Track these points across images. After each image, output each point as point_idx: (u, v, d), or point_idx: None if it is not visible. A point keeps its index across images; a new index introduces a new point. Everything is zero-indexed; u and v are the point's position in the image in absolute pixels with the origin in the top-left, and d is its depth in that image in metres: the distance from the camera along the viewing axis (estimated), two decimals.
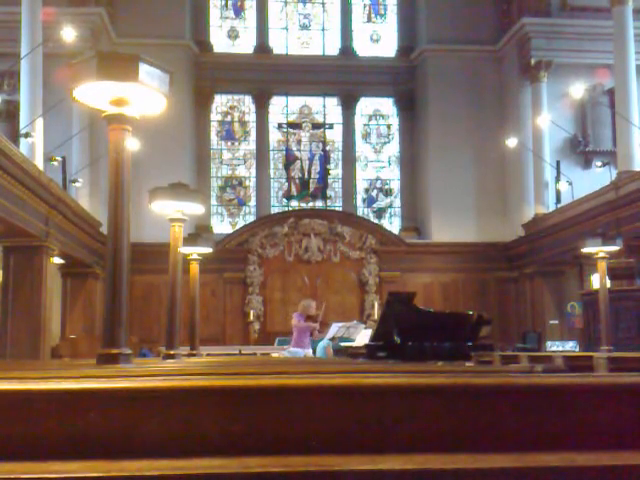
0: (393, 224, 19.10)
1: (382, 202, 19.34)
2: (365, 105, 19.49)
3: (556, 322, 16.06)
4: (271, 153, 19.14)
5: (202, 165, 18.57)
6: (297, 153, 19.31)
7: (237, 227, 18.24)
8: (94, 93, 3.50)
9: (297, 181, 19.18)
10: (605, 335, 9.14)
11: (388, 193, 19.36)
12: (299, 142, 19.35)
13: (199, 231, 16.22)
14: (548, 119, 16.17)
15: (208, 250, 7.80)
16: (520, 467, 1.56)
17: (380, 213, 19.24)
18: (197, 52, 18.47)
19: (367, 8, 19.94)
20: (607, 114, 16.51)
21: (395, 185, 19.37)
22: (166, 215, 6.20)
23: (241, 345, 15.09)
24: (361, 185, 19.34)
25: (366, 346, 7.79)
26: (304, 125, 19.36)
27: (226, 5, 19.54)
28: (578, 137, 17.15)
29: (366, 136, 19.48)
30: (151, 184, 6.69)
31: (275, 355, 11.31)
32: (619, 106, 13.96)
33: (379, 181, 19.38)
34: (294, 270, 17.10)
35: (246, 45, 19.40)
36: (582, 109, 17.17)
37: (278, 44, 19.54)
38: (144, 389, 1.66)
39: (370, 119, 19.55)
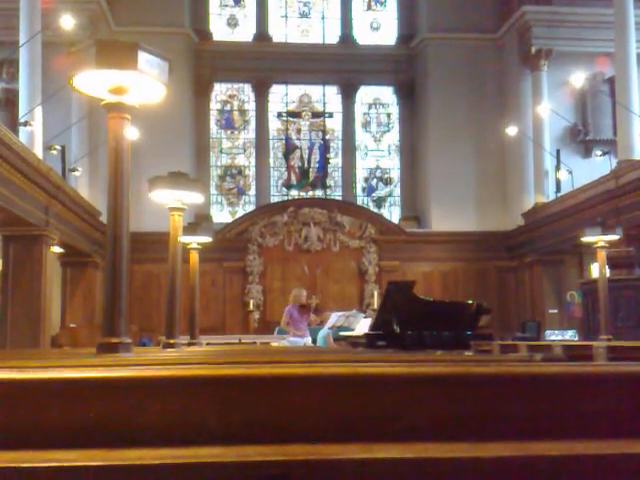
0: (393, 213, 19.08)
1: (382, 191, 19.31)
2: (365, 93, 19.44)
3: (555, 311, 16.08)
4: (271, 142, 19.10)
5: (201, 154, 18.54)
6: (297, 142, 19.27)
7: (237, 216, 18.23)
8: (93, 81, 3.48)
9: (297, 170, 19.15)
10: (604, 324, 9.15)
11: (388, 182, 19.34)
12: (299, 131, 19.31)
13: (199, 220, 16.18)
14: (548, 108, 16.13)
15: (208, 239, 7.79)
16: (519, 456, 1.56)
17: (380, 202, 19.22)
18: (196, 40, 18.40)
19: None
20: (607, 103, 16.46)
21: (395, 174, 19.34)
22: (165, 204, 6.19)
23: (241, 334, 15.11)
24: (361, 174, 19.31)
25: (365, 335, 7.81)
26: (304, 114, 19.31)
27: None
28: (578, 126, 17.11)
29: (366, 125, 19.43)
30: (150, 173, 6.67)
31: (275, 344, 11.33)
32: (619, 95, 13.92)
33: (379, 170, 19.35)
34: (294, 259, 17.10)
35: (246, 33, 19.32)
36: (582, 98, 17.13)
37: (278, 32, 19.47)
38: (144, 378, 1.66)
39: (370, 108, 19.49)
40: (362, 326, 9.63)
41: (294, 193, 18.99)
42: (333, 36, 19.53)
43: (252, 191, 18.93)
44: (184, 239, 7.07)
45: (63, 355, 4.63)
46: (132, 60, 3.31)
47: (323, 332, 10.62)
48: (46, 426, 1.57)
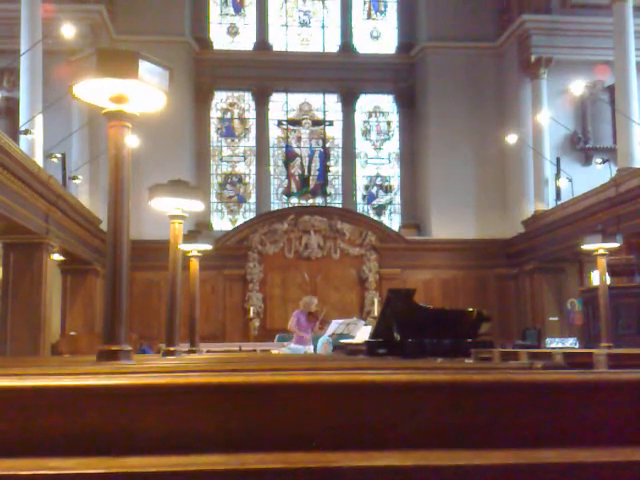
0: (393, 221, 19.09)
1: (382, 199, 19.33)
2: (365, 102, 19.47)
3: (556, 319, 16.06)
4: (271, 150, 19.12)
5: (202, 162, 18.56)
6: (297, 150, 19.30)
7: (237, 224, 18.23)
8: (94, 90, 3.49)
9: (297, 178, 19.17)
10: (605, 332, 9.14)
11: (388, 190, 19.35)
12: (299, 139, 19.34)
13: (199, 228, 16.22)
14: (548, 116, 16.15)
15: (208, 247, 7.80)
16: (520, 463, 1.56)
17: (380, 210, 19.23)
18: (197, 49, 18.45)
19: (367, 5, 19.91)
20: (607, 111, 16.49)
21: (395, 182, 19.36)
22: (166, 212, 6.20)
23: (241, 342, 15.11)
24: (361, 182, 19.33)
25: (366, 343, 7.80)
26: (304, 122, 19.34)
27: (226, 2, 19.52)
28: (578, 134, 17.14)
29: (366, 133, 19.46)
30: (151, 181, 6.69)
31: (275, 352, 11.32)
32: (619, 103, 13.95)
33: (379, 178, 19.37)
34: (294, 267, 17.10)
35: (246, 42, 19.38)
36: (582, 106, 17.16)
37: (278, 41, 19.52)
38: (144, 386, 1.66)
39: (370, 116, 19.53)
40: (362, 334, 9.62)
41: (294, 201, 19.00)
42: (333, 45, 19.59)
43: (252, 199, 18.95)
44: (184, 247, 7.08)
45: (63, 363, 4.62)
46: (133, 68, 3.33)
47: (323, 339, 10.62)
48: (45, 434, 1.57)
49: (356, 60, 19.17)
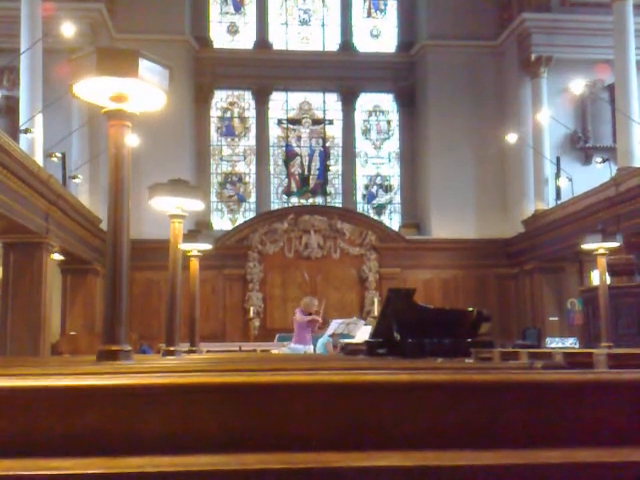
0: (393, 220, 19.09)
1: (382, 198, 19.32)
2: (365, 101, 19.47)
3: (556, 318, 16.06)
4: (271, 149, 19.12)
5: (202, 161, 18.55)
6: (297, 149, 19.30)
7: (237, 223, 18.23)
8: (94, 89, 3.49)
9: (297, 177, 19.17)
10: (605, 331, 9.13)
11: (388, 189, 19.35)
12: (299, 138, 19.33)
13: (199, 227, 16.21)
14: (548, 115, 16.14)
15: (208, 247, 7.80)
16: (520, 464, 1.56)
17: (380, 209, 19.23)
18: (197, 48, 18.44)
19: (367, 3, 19.91)
20: (607, 110, 16.48)
21: (395, 181, 19.36)
22: (166, 211, 6.19)
23: (241, 342, 15.11)
24: (361, 181, 19.32)
25: (366, 343, 7.80)
26: (304, 121, 19.34)
27: (226, 0, 19.52)
28: (578, 133, 17.13)
29: (366, 132, 19.46)
30: (151, 180, 6.68)
31: (275, 352, 11.32)
32: (619, 102, 13.94)
33: (379, 177, 19.36)
34: (294, 266, 17.09)
35: (246, 41, 19.38)
36: (582, 105, 17.15)
37: (278, 39, 19.52)
38: (144, 386, 1.66)
39: (370, 115, 19.53)
40: (362, 333, 9.63)
41: (294, 200, 18.99)
42: (333, 43, 19.58)
43: (252, 198, 18.95)
44: (184, 246, 7.08)
45: (63, 363, 4.62)
46: (133, 67, 3.32)
47: (323, 339, 10.61)
48: (46, 434, 1.57)
49: (356, 59, 19.16)
